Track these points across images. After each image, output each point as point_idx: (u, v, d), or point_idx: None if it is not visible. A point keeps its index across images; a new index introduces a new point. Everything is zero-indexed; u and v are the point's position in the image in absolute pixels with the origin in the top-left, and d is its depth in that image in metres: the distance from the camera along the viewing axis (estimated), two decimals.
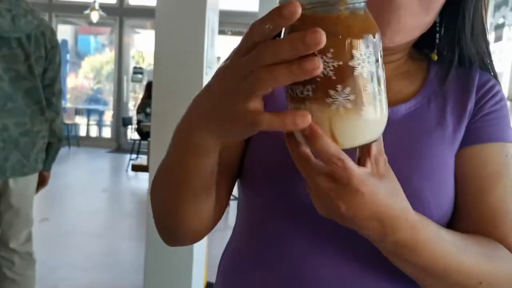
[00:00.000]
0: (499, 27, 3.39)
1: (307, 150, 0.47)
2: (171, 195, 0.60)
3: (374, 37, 0.42)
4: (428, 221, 0.54)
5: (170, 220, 0.63)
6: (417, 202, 0.57)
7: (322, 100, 0.41)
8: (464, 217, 0.63)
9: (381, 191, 0.47)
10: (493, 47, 3.52)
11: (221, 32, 8.12)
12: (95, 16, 7.83)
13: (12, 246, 2.03)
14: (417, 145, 0.63)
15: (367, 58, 0.41)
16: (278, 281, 0.62)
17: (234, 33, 8.70)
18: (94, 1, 7.79)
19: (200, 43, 2.17)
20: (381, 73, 0.44)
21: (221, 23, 2.57)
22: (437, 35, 0.68)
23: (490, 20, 3.33)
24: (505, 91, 3.17)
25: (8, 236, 2.03)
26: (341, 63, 0.40)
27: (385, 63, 0.64)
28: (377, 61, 0.43)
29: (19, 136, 1.94)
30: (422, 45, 0.68)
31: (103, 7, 7.93)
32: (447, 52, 0.68)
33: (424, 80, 0.68)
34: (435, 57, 0.69)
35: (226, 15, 5.41)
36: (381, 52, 0.44)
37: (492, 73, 0.69)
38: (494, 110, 0.65)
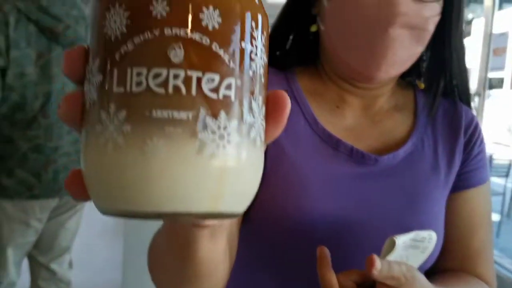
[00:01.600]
0: (468, 23, 3.49)
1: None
2: (173, 280, 0.49)
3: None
4: None
5: None
6: None
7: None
8: (451, 255, 0.67)
9: None
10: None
11: None
12: None
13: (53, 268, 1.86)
14: (417, 190, 0.64)
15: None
16: None
17: None
18: None
19: None
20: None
21: None
22: (423, 64, 0.70)
23: None
24: (473, 87, 3.26)
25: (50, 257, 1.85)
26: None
27: (376, 96, 0.67)
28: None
29: None
30: (406, 72, 0.68)
31: None
32: (432, 81, 0.69)
33: (415, 114, 0.69)
34: (422, 86, 0.70)
35: None
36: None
37: (469, 106, 0.72)
38: (479, 152, 0.69)
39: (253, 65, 0.26)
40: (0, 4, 1.47)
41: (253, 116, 0.26)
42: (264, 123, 0.28)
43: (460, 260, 0.67)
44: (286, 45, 0.71)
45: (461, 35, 0.67)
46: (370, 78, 0.62)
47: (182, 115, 0.24)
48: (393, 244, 0.51)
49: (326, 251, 0.52)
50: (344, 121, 0.67)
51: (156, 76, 0.24)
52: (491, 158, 4.81)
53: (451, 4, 0.63)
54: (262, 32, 0.27)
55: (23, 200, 1.63)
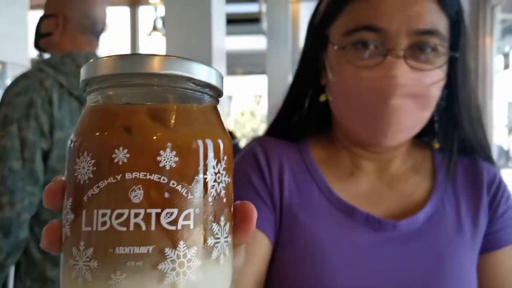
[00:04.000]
0: (506, 56, 3.40)
1: None
2: None
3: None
4: None
5: None
6: None
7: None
8: None
9: None
10: (502, 74, 3.51)
11: (232, 72, 8.32)
12: None
13: None
14: (441, 254, 0.62)
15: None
16: None
17: (245, 73, 8.85)
18: None
19: None
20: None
21: (231, 65, 2.63)
22: (436, 124, 0.68)
23: (498, 45, 3.36)
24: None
25: None
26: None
27: (391, 159, 0.66)
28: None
29: None
30: (422, 133, 0.67)
31: None
32: (446, 141, 0.68)
33: (433, 174, 0.68)
34: (437, 145, 0.69)
35: (236, 57, 5.51)
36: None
37: (491, 162, 0.70)
38: (507, 209, 0.66)
39: (213, 191, 0.28)
40: (40, 79, 1.37)
41: (215, 237, 0.28)
42: (229, 238, 0.30)
43: None
44: (299, 115, 0.72)
45: (469, 93, 0.66)
46: (378, 145, 0.63)
47: (143, 249, 0.26)
48: None
49: None
50: (359, 188, 0.67)
51: (119, 216, 0.26)
52: None
53: (455, 65, 0.63)
54: (223, 157, 0.29)
55: None
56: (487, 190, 0.66)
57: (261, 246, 0.62)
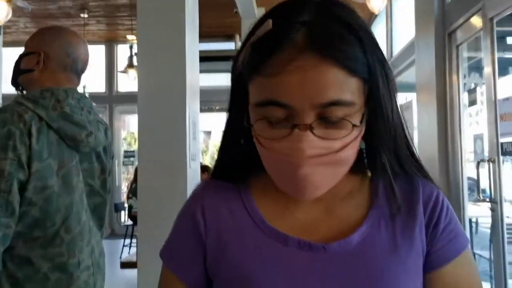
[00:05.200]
0: (471, 92, 3.52)
1: None
2: None
3: None
4: None
5: None
6: None
7: None
8: None
9: None
10: (468, 110, 3.62)
11: (210, 109, 8.38)
12: None
13: None
14: (375, 274, 0.63)
15: None
16: None
17: (221, 110, 8.90)
18: (84, 91, 8.01)
19: (182, 137, 2.21)
20: None
21: (208, 101, 2.63)
22: (365, 154, 0.70)
23: (464, 82, 3.49)
24: (485, 153, 3.22)
25: None
26: None
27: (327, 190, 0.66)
28: None
29: (99, 257, 1.67)
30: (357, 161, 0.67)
31: (92, 96, 8.14)
32: (376, 169, 0.69)
33: (370, 198, 0.69)
34: (369, 174, 0.71)
35: (213, 93, 5.56)
36: None
37: (425, 176, 0.71)
38: (448, 223, 0.67)
39: None
40: (19, 112, 1.37)
41: None
42: None
43: None
44: (239, 156, 0.73)
45: (393, 128, 0.66)
46: (301, 199, 0.66)
47: None
48: None
49: None
50: (295, 218, 0.69)
51: None
52: None
53: (374, 112, 0.64)
54: None
55: None
56: (424, 208, 0.67)
57: None
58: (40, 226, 1.41)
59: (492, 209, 3.34)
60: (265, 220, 0.69)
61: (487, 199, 3.29)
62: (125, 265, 2.94)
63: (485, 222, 4.74)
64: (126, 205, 7.79)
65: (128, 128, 10.11)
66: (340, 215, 0.68)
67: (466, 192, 3.74)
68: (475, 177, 3.23)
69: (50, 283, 1.43)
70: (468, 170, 3.55)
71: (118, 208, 8.04)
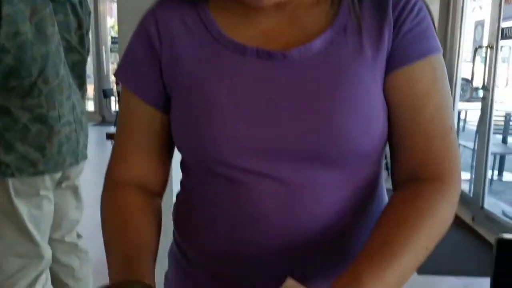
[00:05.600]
0: None
1: None
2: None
3: None
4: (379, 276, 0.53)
5: None
6: (343, 136, 0.59)
7: None
8: (400, 150, 0.64)
9: None
10: None
11: None
12: None
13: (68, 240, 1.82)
14: (336, 79, 0.61)
15: None
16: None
17: None
18: None
19: None
20: None
21: None
22: None
23: None
24: (485, 39, 3.16)
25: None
26: None
27: None
28: None
29: (81, 115, 1.66)
30: None
31: None
32: None
33: (338, 5, 0.65)
34: None
35: None
36: None
37: None
38: (415, 24, 0.63)
39: None
40: None
41: None
42: None
43: (413, 150, 0.63)
44: None
45: None
46: (257, 5, 0.63)
47: None
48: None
49: None
50: (256, 28, 0.66)
51: None
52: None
53: None
54: None
55: (26, 177, 1.48)
56: (393, 10, 0.63)
57: (149, 117, 0.71)
58: (15, 75, 1.40)
59: (484, 97, 3.37)
60: (221, 30, 0.66)
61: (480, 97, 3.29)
62: (112, 136, 3.03)
63: (473, 120, 4.82)
64: (115, 90, 7.73)
65: (115, 15, 9.69)
66: (304, 23, 0.65)
67: (458, 91, 3.74)
68: (469, 78, 3.21)
69: (31, 134, 1.46)
70: (463, 70, 3.54)
71: (107, 93, 7.98)
